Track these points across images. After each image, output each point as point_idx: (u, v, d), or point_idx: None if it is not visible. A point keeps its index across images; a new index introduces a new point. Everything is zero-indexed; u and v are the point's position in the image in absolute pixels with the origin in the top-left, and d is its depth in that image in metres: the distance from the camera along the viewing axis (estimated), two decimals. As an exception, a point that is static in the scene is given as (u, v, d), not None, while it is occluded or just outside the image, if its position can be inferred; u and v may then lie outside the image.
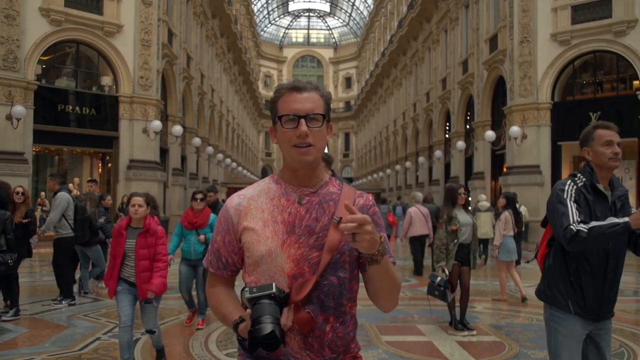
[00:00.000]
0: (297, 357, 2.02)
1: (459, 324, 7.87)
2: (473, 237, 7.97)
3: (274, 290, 1.90)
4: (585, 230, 3.31)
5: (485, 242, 16.22)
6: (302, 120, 1.99)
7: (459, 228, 7.76)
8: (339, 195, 2.10)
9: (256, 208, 2.08)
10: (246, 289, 1.94)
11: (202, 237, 7.89)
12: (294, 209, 2.05)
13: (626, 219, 3.22)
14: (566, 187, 3.56)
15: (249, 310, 1.90)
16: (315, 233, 2.02)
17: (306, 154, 2.00)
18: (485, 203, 15.68)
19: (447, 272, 7.68)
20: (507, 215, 10.57)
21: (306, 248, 2.00)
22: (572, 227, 3.36)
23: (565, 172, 22.88)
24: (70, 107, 22.51)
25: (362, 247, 1.84)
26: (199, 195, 8.02)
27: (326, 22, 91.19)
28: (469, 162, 31.20)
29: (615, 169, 3.55)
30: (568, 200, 3.49)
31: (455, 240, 7.76)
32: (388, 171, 51.93)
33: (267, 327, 1.81)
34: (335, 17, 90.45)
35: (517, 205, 12.32)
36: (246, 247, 2.07)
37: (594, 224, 3.32)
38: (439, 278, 7.66)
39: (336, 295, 2.02)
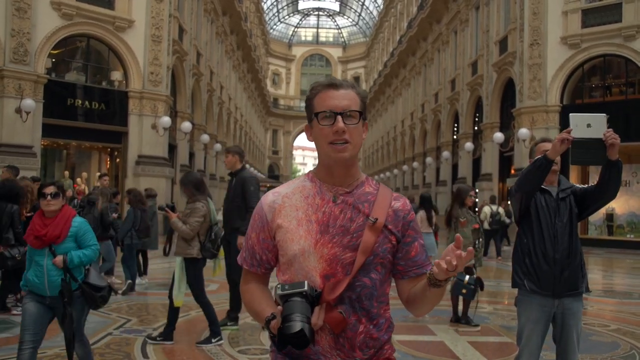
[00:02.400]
0: (328, 357, 2.01)
1: (462, 319, 8.14)
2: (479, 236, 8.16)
3: (305, 288, 1.89)
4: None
5: None
6: (339, 117, 1.99)
7: (482, 226, 7.91)
8: (375, 195, 2.10)
9: (290, 206, 2.08)
10: (278, 285, 1.94)
11: (58, 258, 4.81)
12: (328, 208, 2.04)
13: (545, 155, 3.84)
14: None
15: (279, 307, 1.89)
16: (349, 233, 2.01)
17: (342, 150, 1.99)
18: None
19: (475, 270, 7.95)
20: (421, 214, 10.98)
21: (339, 248, 1.99)
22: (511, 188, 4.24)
23: (573, 175, 22.84)
24: (80, 102, 22.49)
25: (440, 275, 1.89)
26: (50, 189, 4.86)
27: (335, 21, 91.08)
28: (476, 163, 31.17)
29: (555, 173, 4.13)
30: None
31: (480, 239, 7.88)
32: (395, 171, 51.87)
33: (297, 325, 1.80)
34: (345, 17, 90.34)
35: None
36: (280, 246, 2.07)
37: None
38: (467, 277, 7.75)
39: (368, 297, 2.02)
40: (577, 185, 4.25)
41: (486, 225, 17.35)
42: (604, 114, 3.64)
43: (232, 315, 7.67)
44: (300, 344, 1.82)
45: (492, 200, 19.33)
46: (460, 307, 8.28)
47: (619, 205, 23.11)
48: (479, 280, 7.77)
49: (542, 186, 4.06)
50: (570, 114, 3.70)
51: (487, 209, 18.20)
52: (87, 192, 12.07)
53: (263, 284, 2.21)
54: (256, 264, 2.16)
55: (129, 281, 10.20)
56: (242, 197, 7.36)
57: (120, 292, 10.00)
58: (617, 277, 15.16)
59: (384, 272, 2.07)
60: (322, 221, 2.02)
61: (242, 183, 7.42)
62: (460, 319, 8.17)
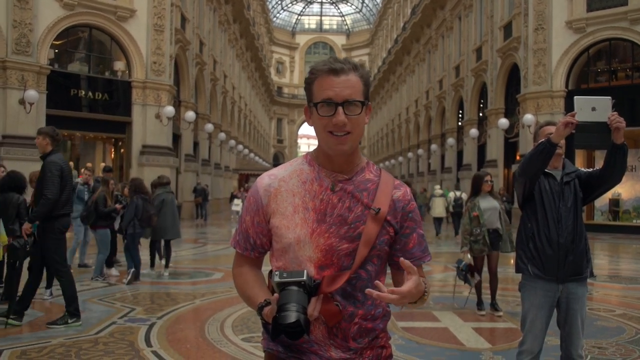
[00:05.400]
0: (321, 346, 1.97)
1: (490, 305, 8.11)
2: (501, 222, 8.07)
3: (304, 278, 1.82)
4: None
5: (439, 220, 21.44)
6: (340, 109, 1.86)
7: (481, 214, 7.87)
8: (375, 183, 2.01)
9: (287, 191, 1.99)
10: (276, 272, 1.85)
11: None
12: (326, 196, 1.96)
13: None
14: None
15: (276, 295, 1.81)
16: (347, 223, 1.93)
17: (342, 142, 1.89)
18: (439, 190, 22.51)
19: (470, 256, 8.12)
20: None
21: (336, 238, 1.92)
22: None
23: (578, 160, 22.76)
24: (83, 92, 22.55)
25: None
26: None
27: (339, 8, 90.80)
28: (481, 149, 31.09)
29: (560, 157, 4.05)
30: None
31: (483, 228, 7.87)
32: (400, 159, 51.79)
33: (292, 316, 1.73)
34: (348, 4, 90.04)
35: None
36: (275, 232, 2.00)
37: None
38: (463, 262, 8.17)
39: (362, 289, 1.93)
40: (582, 169, 4.18)
41: (451, 209, 20.76)
42: (609, 97, 3.57)
43: (14, 308, 6.93)
44: (295, 335, 1.77)
45: (457, 187, 23.31)
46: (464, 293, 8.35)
47: (624, 190, 23.03)
48: (470, 267, 8.07)
49: (546, 170, 4.00)
50: (575, 97, 3.63)
51: (451, 194, 21.19)
52: (91, 182, 11.95)
53: (256, 267, 2.13)
54: (250, 248, 2.08)
55: (133, 270, 10.16)
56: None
57: (125, 281, 10.00)
58: (623, 263, 15.11)
59: (379, 263, 2.01)
60: (320, 209, 1.95)
61: (43, 167, 7.03)
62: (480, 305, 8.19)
